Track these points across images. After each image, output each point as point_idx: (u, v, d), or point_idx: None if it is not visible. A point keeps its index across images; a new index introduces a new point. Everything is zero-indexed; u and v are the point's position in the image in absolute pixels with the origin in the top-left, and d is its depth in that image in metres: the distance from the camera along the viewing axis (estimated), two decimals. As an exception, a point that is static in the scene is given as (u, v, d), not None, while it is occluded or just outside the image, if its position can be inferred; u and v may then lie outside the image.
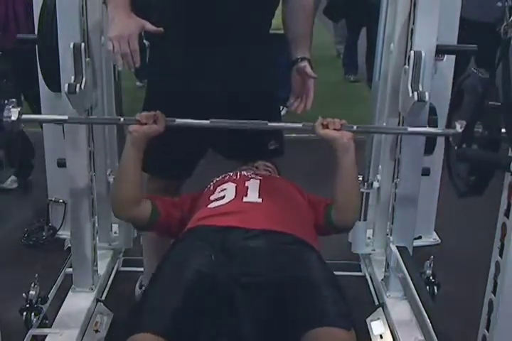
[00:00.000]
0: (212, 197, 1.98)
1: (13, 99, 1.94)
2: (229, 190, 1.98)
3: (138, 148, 1.92)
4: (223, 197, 1.95)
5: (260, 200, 1.93)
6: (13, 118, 1.91)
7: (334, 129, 1.89)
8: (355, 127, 1.96)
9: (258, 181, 2.03)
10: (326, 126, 1.90)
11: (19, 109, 1.93)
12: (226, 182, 2.05)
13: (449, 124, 2.03)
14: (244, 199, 1.93)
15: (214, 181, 2.10)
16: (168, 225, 2.00)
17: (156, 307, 1.61)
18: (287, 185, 2.12)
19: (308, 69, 2.12)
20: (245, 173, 2.10)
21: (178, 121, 1.96)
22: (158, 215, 1.97)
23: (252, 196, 1.94)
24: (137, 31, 1.90)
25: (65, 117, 2.06)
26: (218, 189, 2.01)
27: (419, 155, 2.25)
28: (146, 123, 1.90)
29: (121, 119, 2.00)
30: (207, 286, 1.64)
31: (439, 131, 2.09)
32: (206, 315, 1.61)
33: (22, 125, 1.97)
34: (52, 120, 2.06)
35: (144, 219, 1.96)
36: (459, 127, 1.91)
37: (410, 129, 2.08)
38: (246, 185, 2.00)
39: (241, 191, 1.96)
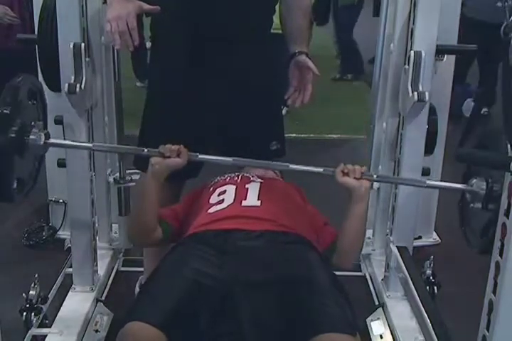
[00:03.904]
0: (211, 201, 1.97)
1: (40, 122, 1.92)
2: (228, 193, 1.97)
3: (158, 179, 1.90)
4: (222, 200, 1.94)
5: (259, 203, 1.92)
6: (40, 142, 1.89)
7: (354, 178, 1.88)
8: (374, 176, 2.02)
9: (259, 184, 2.02)
10: (346, 174, 1.89)
11: (45, 132, 1.92)
12: (226, 184, 2.04)
13: None
14: (243, 203, 1.93)
15: (214, 181, 2.10)
16: (179, 233, 1.99)
17: (154, 301, 1.61)
18: (287, 187, 2.11)
19: (311, 64, 2.14)
20: (246, 175, 2.09)
21: (201, 156, 1.95)
22: (171, 230, 1.98)
23: (251, 200, 1.94)
24: (135, 11, 1.92)
25: (90, 145, 2.14)
26: (218, 191, 2.01)
27: (419, 155, 2.25)
28: (169, 156, 1.88)
29: (145, 150, 1.96)
30: (207, 285, 1.63)
31: None
32: (206, 315, 1.60)
33: (47, 148, 1.95)
34: (77, 146, 2.12)
35: (158, 241, 1.97)
36: None
37: (429, 182, 1.99)
38: (246, 187, 2.00)
39: (240, 194, 1.96)
